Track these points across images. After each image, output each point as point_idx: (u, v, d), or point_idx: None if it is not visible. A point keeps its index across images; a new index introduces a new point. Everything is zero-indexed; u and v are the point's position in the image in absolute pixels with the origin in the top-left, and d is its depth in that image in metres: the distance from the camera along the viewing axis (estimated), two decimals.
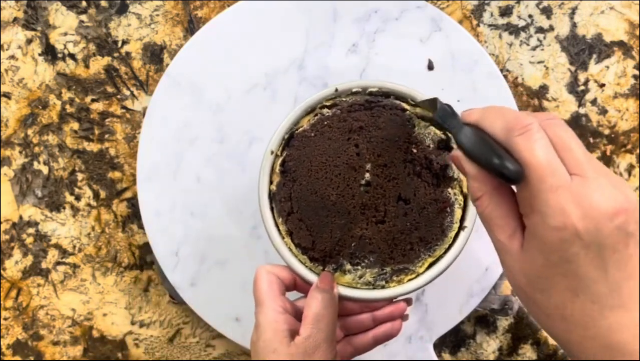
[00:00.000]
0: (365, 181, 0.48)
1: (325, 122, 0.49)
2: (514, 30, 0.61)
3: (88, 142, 0.61)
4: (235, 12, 0.58)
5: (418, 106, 0.49)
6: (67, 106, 0.61)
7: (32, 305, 0.61)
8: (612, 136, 0.61)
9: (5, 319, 0.61)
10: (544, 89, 0.61)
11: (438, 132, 0.49)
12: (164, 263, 0.58)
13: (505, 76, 0.60)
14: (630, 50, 0.61)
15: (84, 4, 0.61)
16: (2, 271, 0.61)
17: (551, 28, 0.61)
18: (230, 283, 0.58)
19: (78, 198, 0.61)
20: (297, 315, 0.46)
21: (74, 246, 0.61)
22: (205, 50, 0.58)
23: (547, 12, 0.61)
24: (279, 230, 0.49)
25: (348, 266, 0.48)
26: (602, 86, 0.61)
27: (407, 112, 0.49)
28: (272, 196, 0.49)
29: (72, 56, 0.61)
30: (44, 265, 0.61)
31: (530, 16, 0.61)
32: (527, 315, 0.61)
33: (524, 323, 0.61)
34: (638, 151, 0.61)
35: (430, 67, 0.58)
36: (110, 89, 0.61)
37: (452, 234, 0.48)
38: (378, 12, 0.58)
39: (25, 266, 0.61)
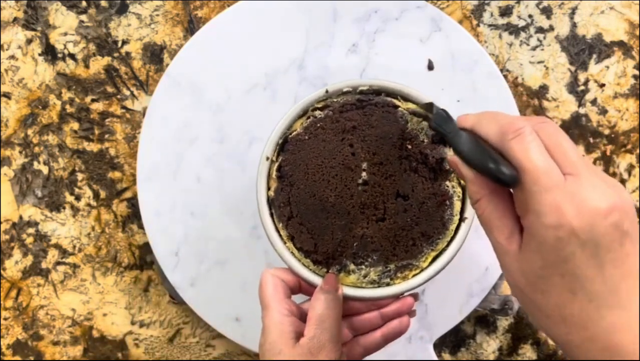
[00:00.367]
0: (363, 180, 0.48)
1: (319, 124, 0.49)
2: (514, 30, 0.61)
3: (88, 142, 0.61)
4: (235, 12, 0.58)
5: (415, 112, 0.49)
6: (67, 106, 0.61)
7: (32, 305, 0.61)
8: (612, 136, 0.61)
9: (5, 319, 0.61)
10: (544, 89, 0.61)
11: None
12: (164, 263, 0.58)
13: (505, 76, 0.60)
14: (630, 50, 0.61)
15: (84, 4, 0.61)
16: (2, 271, 0.61)
17: (551, 28, 0.61)
18: (230, 283, 0.58)
19: (78, 198, 0.61)
20: (303, 317, 0.46)
21: (74, 246, 0.61)
22: (205, 50, 0.58)
23: (547, 12, 0.61)
24: (280, 235, 0.49)
25: (352, 266, 0.48)
26: (602, 86, 0.61)
27: (399, 108, 0.49)
28: (270, 202, 0.49)
29: (72, 56, 0.61)
30: (44, 265, 0.61)
31: (530, 16, 0.61)
32: (527, 315, 0.61)
33: (524, 323, 0.61)
34: (638, 151, 0.61)
35: (430, 67, 0.58)
36: (110, 89, 0.61)
37: (453, 226, 0.48)
38: (378, 12, 0.58)
39: (25, 266, 0.61)
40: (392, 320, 0.48)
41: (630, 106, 0.61)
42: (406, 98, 0.49)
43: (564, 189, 0.34)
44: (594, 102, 0.61)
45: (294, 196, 0.48)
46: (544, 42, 0.61)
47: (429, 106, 0.45)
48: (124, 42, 0.61)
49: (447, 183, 0.48)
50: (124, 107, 0.61)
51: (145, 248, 0.61)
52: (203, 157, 0.58)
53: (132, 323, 0.61)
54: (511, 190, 0.37)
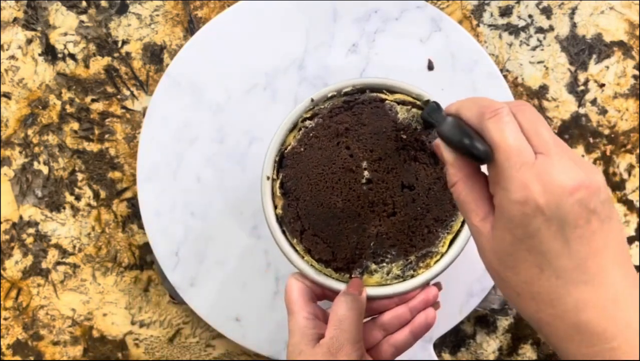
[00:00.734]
0: (366, 179, 0.48)
1: (311, 134, 0.49)
2: (514, 30, 0.61)
3: (88, 142, 0.61)
4: (235, 12, 0.58)
5: (405, 102, 0.49)
6: (67, 106, 0.61)
7: (32, 305, 0.61)
8: (612, 136, 0.61)
9: (5, 319, 0.61)
10: (544, 89, 0.61)
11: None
12: (164, 263, 0.58)
13: (505, 76, 0.60)
14: (630, 50, 0.61)
15: (84, 4, 0.61)
16: (2, 271, 0.61)
17: (551, 28, 0.61)
18: (230, 283, 0.58)
19: (78, 198, 0.61)
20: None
21: (74, 246, 0.61)
22: (205, 50, 0.58)
23: (547, 12, 0.61)
24: (296, 251, 0.49)
25: (373, 266, 0.48)
26: (602, 86, 0.61)
27: (387, 101, 0.49)
28: (280, 220, 0.49)
29: (72, 56, 0.61)
30: (44, 265, 0.61)
31: (530, 16, 0.61)
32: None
33: (524, 323, 0.61)
34: (638, 151, 0.61)
35: (430, 67, 0.58)
36: (110, 89, 0.61)
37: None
38: (378, 12, 0.58)
39: (25, 266, 0.61)
40: (420, 312, 0.49)
41: (630, 106, 0.61)
42: (391, 90, 0.49)
43: (533, 167, 0.35)
44: (594, 102, 0.61)
45: (302, 209, 0.48)
46: (544, 42, 0.61)
47: (426, 102, 0.47)
48: (124, 42, 0.61)
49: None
50: (124, 107, 0.61)
51: (145, 248, 0.61)
52: (203, 157, 0.58)
53: (132, 323, 0.61)
54: (487, 173, 0.38)
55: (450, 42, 0.58)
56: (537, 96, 0.61)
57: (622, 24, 0.61)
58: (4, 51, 0.61)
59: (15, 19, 0.61)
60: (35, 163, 0.61)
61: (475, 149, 0.37)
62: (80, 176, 0.61)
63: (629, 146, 0.61)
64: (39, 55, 0.61)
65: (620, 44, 0.61)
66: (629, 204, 0.61)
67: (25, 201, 0.61)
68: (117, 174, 0.61)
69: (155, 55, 0.61)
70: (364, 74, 0.58)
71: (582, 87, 0.61)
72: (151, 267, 0.61)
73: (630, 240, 0.61)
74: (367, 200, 0.48)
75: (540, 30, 0.61)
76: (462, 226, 0.49)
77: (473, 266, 0.57)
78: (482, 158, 0.37)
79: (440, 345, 0.61)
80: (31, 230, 0.61)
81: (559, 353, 0.36)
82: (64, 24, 0.61)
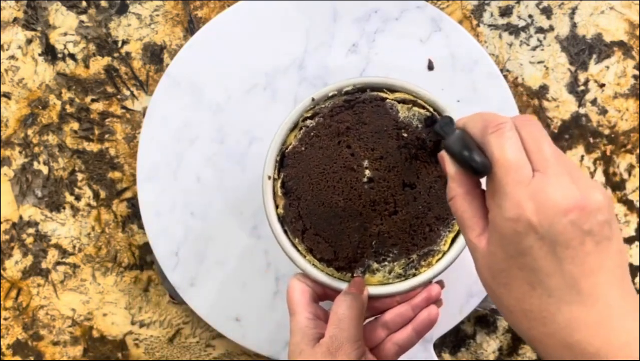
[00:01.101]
0: (367, 178, 0.48)
1: (312, 133, 0.49)
2: (514, 30, 0.61)
3: (88, 142, 0.61)
4: (235, 12, 0.58)
5: (405, 100, 0.49)
6: (67, 106, 0.61)
7: (32, 305, 0.61)
8: (612, 136, 0.61)
9: (5, 319, 0.61)
10: (544, 89, 0.61)
11: (422, 111, 0.49)
12: (164, 263, 0.58)
13: (505, 76, 0.60)
14: (630, 50, 0.61)
15: (84, 4, 0.61)
16: (2, 271, 0.61)
17: (551, 28, 0.61)
18: (230, 283, 0.58)
19: (78, 198, 0.61)
20: None
21: (74, 246, 0.61)
22: (205, 50, 0.58)
23: (547, 12, 0.61)
24: (298, 250, 0.49)
25: (375, 265, 0.48)
26: (602, 86, 0.61)
27: (387, 100, 0.49)
28: (282, 220, 0.49)
29: (72, 56, 0.61)
30: (44, 265, 0.61)
31: (530, 16, 0.61)
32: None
33: None
34: (638, 151, 0.61)
35: (430, 67, 0.58)
36: (110, 89, 0.61)
37: None
38: (378, 12, 0.58)
39: (25, 266, 0.61)
40: (423, 309, 0.49)
41: (630, 106, 0.61)
42: (391, 89, 0.49)
43: (529, 185, 0.35)
44: (594, 102, 0.61)
45: (304, 209, 0.48)
46: (544, 42, 0.61)
47: (442, 117, 0.47)
48: (124, 42, 0.61)
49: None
50: (124, 107, 0.61)
51: (145, 248, 0.61)
52: (203, 157, 0.58)
53: (132, 323, 0.61)
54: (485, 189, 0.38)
55: (450, 42, 0.58)
56: (537, 96, 0.61)
57: (622, 24, 0.61)
58: (4, 51, 0.61)
59: (15, 19, 0.61)
60: (35, 163, 0.61)
61: (474, 161, 0.37)
62: (80, 176, 0.61)
63: (629, 146, 0.61)
64: (39, 55, 0.61)
65: (620, 44, 0.61)
66: (629, 204, 0.61)
67: (25, 201, 0.61)
68: (117, 174, 0.61)
69: (155, 55, 0.61)
70: (364, 74, 0.58)
71: (582, 87, 0.61)
72: (151, 267, 0.61)
73: (631, 240, 0.61)
74: (369, 199, 0.48)
75: (540, 30, 0.61)
76: None
77: (473, 267, 0.57)
78: (480, 171, 0.37)
79: (440, 345, 0.61)
80: (31, 230, 0.61)
81: None
82: (64, 24, 0.61)
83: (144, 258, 0.61)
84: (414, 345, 0.49)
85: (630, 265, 0.61)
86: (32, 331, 0.61)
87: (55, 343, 0.62)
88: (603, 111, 0.61)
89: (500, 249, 0.36)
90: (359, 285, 0.47)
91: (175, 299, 0.61)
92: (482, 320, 0.61)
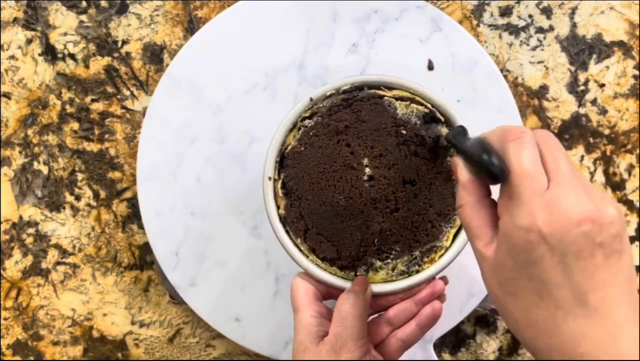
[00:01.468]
0: (367, 176, 0.48)
1: (311, 133, 0.49)
2: (514, 30, 0.61)
3: (88, 142, 0.61)
4: (235, 12, 0.58)
5: (403, 97, 0.49)
6: (67, 106, 0.61)
7: (32, 305, 0.61)
8: (612, 136, 0.61)
9: (5, 319, 0.61)
10: (544, 89, 0.61)
11: (420, 108, 0.49)
12: (164, 263, 0.58)
13: (505, 76, 0.60)
14: (630, 51, 0.61)
15: (84, 4, 0.61)
16: (2, 271, 0.61)
17: (551, 28, 0.61)
18: (230, 283, 0.58)
19: (78, 198, 0.61)
20: None
21: (74, 246, 0.61)
22: (205, 50, 0.58)
23: (547, 12, 0.61)
24: (300, 250, 0.49)
25: (378, 263, 0.48)
26: (602, 86, 0.61)
27: (385, 97, 0.49)
28: (283, 220, 0.49)
29: (72, 56, 0.61)
30: (44, 265, 0.61)
31: (530, 16, 0.61)
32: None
33: None
34: (638, 151, 0.61)
35: (430, 67, 0.58)
36: (110, 89, 0.61)
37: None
38: (378, 12, 0.58)
39: (25, 266, 0.61)
40: (426, 304, 0.49)
41: (630, 106, 0.61)
42: (389, 86, 0.49)
43: (543, 195, 0.35)
44: (594, 102, 0.61)
45: (305, 209, 0.48)
46: (544, 42, 0.61)
47: (455, 127, 0.47)
48: (124, 42, 0.61)
49: (449, 158, 0.48)
50: (124, 107, 0.61)
51: (145, 248, 0.61)
52: (203, 157, 0.58)
53: (132, 323, 0.61)
54: (497, 197, 0.38)
55: (450, 42, 0.58)
56: (537, 96, 0.61)
57: (622, 24, 0.61)
58: (4, 51, 0.61)
59: (15, 19, 0.61)
60: (35, 163, 0.61)
61: (493, 165, 0.36)
62: (80, 176, 0.61)
63: (629, 146, 0.61)
64: (39, 55, 0.61)
65: (620, 44, 0.61)
66: (629, 204, 0.61)
67: (25, 201, 0.61)
68: (117, 174, 0.61)
69: (155, 55, 0.61)
70: (363, 74, 0.58)
71: (582, 87, 0.61)
72: (151, 267, 0.61)
73: (631, 240, 0.61)
74: (370, 197, 0.48)
75: (540, 30, 0.61)
76: None
77: (473, 267, 0.57)
78: (497, 176, 0.36)
79: (440, 345, 0.61)
80: (31, 230, 0.61)
81: None
82: (64, 24, 0.61)
83: (144, 258, 0.61)
84: (418, 341, 0.49)
85: None
86: (32, 331, 0.61)
87: (55, 343, 0.62)
88: (603, 111, 0.61)
89: (510, 258, 0.35)
90: (362, 283, 0.47)
91: (175, 299, 0.61)
92: (482, 320, 0.61)
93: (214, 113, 0.58)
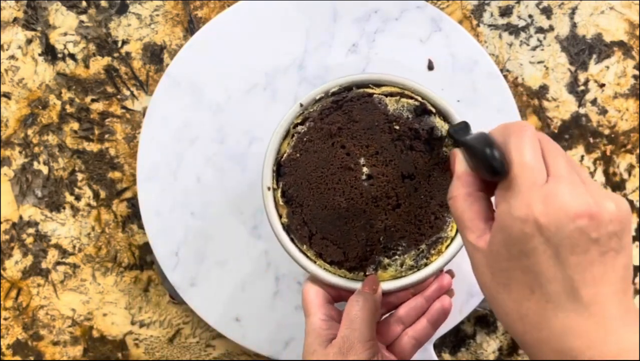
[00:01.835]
0: (366, 175, 0.48)
1: (305, 139, 0.49)
2: (514, 30, 0.61)
3: (88, 142, 0.61)
4: (235, 12, 0.58)
5: (392, 93, 0.50)
6: (67, 106, 0.61)
7: (32, 305, 0.61)
8: (612, 136, 0.61)
9: (5, 319, 0.61)
10: (544, 89, 0.61)
11: (410, 101, 0.49)
12: (164, 263, 0.58)
13: (505, 76, 0.60)
14: (630, 50, 0.61)
15: (84, 4, 0.61)
16: (2, 271, 0.61)
17: (551, 28, 0.61)
18: (230, 283, 0.58)
19: (78, 198, 0.61)
20: None
21: (74, 246, 0.61)
22: (205, 50, 0.58)
23: (547, 12, 0.61)
24: (307, 256, 0.49)
25: (386, 260, 0.48)
26: (602, 86, 0.61)
27: (374, 95, 0.49)
28: (287, 228, 0.49)
29: (72, 56, 0.61)
30: (44, 265, 0.61)
31: (530, 16, 0.61)
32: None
33: None
34: (638, 151, 0.61)
35: (430, 67, 0.58)
36: (110, 89, 0.61)
37: None
38: (378, 12, 0.58)
39: (25, 266, 0.61)
40: (435, 300, 0.49)
41: (630, 106, 0.61)
42: (377, 84, 0.49)
43: (541, 188, 0.34)
44: (594, 102, 0.61)
45: (307, 215, 0.48)
46: (544, 42, 0.61)
47: (457, 123, 0.47)
48: (124, 42, 0.61)
49: (444, 148, 0.49)
50: (124, 107, 0.61)
51: (145, 248, 0.61)
52: (203, 157, 0.58)
53: (132, 323, 0.61)
54: (494, 194, 0.38)
55: (450, 42, 0.58)
56: (537, 96, 0.61)
57: (622, 24, 0.61)
58: (4, 51, 0.61)
59: (15, 19, 0.61)
60: (35, 163, 0.61)
61: (494, 160, 0.36)
62: (80, 176, 0.61)
63: (629, 146, 0.61)
64: (39, 55, 0.61)
65: (620, 44, 0.61)
66: (629, 204, 0.61)
67: (25, 201, 0.61)
68: (117, 174, 0.61)
69: (155, 55, 0.61)
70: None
71: (582, 87, 0.61)
72: (151, 267, 0.61)
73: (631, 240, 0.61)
74: (370, 196, 0.48)
75: (540, 30, 0.61)
76: None
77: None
78: (498, 170, 0.36)
79: (440, 345, 0.61)
80: (31, 230, 0.61)
81: None
82: (64, 24, 0.61)
83: (144, 258, 0.61)
84: (430, 338, 0.49)
85: None
86: (32, 331, 0.61)
87: (55, 343, 0.62)
88: (603, 111, 0.61)
89: (504, 249, 0.35)
90: (372, 283, 0.47)
91: (175, 299, 0.61)
92: (482, 320, 0.61)
93: (214, 113, 0.58)
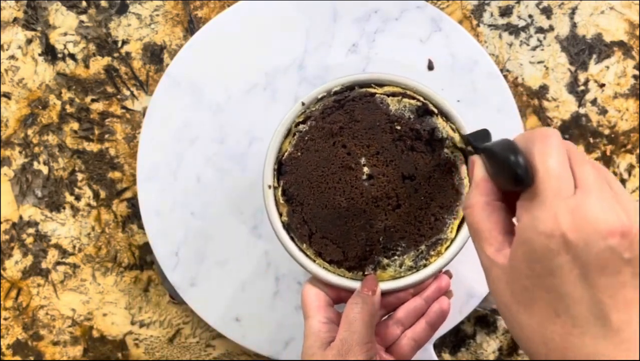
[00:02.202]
0: (366, 175, 0.48)
1: (306, 137, 0.49)
2: (514, 30, 0.61)
3: (88, 142, 0.61)
4: (235, 12, 0.58)
5: (394, 94, 0.49)
6: (67, 106, 0.61)
7: (32, 305, 0.61)
8: (612, 136, 0.61)
9: (5, 319, 0.61)
10: (544, 89, 0.61)
11: (412, 102, 0.49)
12: (164, 263, 0.58)
13: (505, 76, 0.60)
14: (630, 51, 0.61)
15: (84, 4, 0.61)
16: (2, 271, 0.61)
17: (551, 28, 0.61)
18: (230, 283, 0.58)
19: (78, 198, 0.61)
20: None
21: (74, 246, 0.61)
22: (205, 50, 0.58)
23: (547, 12, 0.61)
24: (307, 255, 0.49)
25: (385, 261, 0.48)
26: (602, 86, 0.61)
27: (376, 95, 0.49)
28: (287, 227, 0.49)
29: (72, 56, 0.61)
30: (44, 265, 0.61)
31: (530, 16, 0.61)
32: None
33: None
34: (638, 151, 0.61)
35: (430, 67, 0.58)
36: (110, 89, 0.61)
37: (466, 189, 0.49)
38: (378, 12, 0.58)
39: (25, 266, 0.61)
40: (434, 301, 0.48)
41: (630, 106, 0.61)
42: (379, 83, 0.49)
43: (569, 199, 0.32)
44: (594, 102, 0.61)
45: (308, 214, 0.48)
46: (544, 42, 0.61)
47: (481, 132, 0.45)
48: (124, 42, 0.61)
49: (445, 150, 0.49)
50: (124, 107, 0.61)
51: (145, 248, 0.61)
52: (203, 157, 0.58)
53: (132, 323, 0.61)
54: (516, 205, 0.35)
55: (450, 42, 0.58)
56: (537, 96, 0.61)
57: (622, 24, 0.61)
58: (4, 51, 0.61)
59: (15, 19, 0.61)
60: (35, 163, 0.61)
61: (519, 167, 0.33)
62: (80, 176, 0.61)
63: (629, 146, 0.61)
64: (39, 55, 0.61)
65: (620, 44, 0.61)
66: None
67: (25, 201, 0.61)
68: (117, 174, 0.61)
69: (155, 55, 0.61)
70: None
71: (582, 87, 0.61)
72: (151, 267, 0.61)
73: None
74: (371, 196, 0.48)
75: (540, 30, 0.61)
76: None
77: (473, 267, 0.57)
78: (522, 178, 0.33)
79: (440, 345, 0.61)
80: (31, 230, 0.61)
81: None
82: (64, 24, 0.61)
83: (144, 258, 0.61)
84: (429, 340, 0.49)
85: None
86: (32, 331, 0.61)
87: (55, 343, 0.62)
88: (603, 111, 0.61)
89: (526, 266, 0.32)
90: (371, 284, 0.47)
91: (175, 299, 0.61)
92: (482, 320, 0.61)
93: (214, 113, 0.58)
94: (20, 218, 0.61)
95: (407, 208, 0.48)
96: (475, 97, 0.58)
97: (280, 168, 0.49)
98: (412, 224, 0.48)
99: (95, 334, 0.61)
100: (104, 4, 0.61)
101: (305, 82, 0.58)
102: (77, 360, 0.62)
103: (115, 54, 0.61)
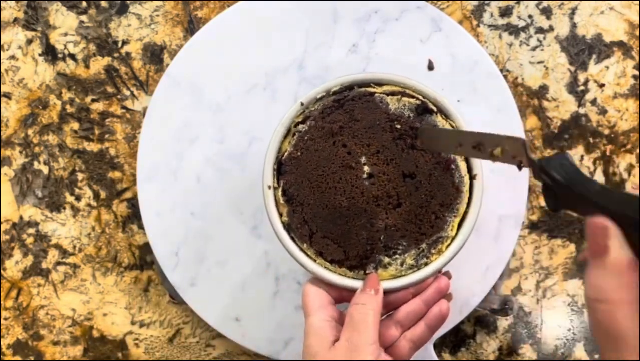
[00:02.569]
0: (367, 174, 0.48)
1: (306, 137, 0.49)
2: (514, 30, 0.61)
3: (88, 142, 0.61)
4: (235, 12, 0.58)
5: (394, 92, 0.49)
6: (67, 106, 0.61)
7: (32, 305, 0.61)
8: (612, 136, 0.61)
9: (5, 319, 0.61)
10: (544, 89, 0.61)
11: (412, 100, 0.49)
12: (164, 263, 0.58)
13: (505, 76, 0.60)
14: (630, 51, 0.61)
15: (84, 4, 0.61)
16: (2, 271, 0.61)
17: (551, 28, 0.61)
18: (230, 283, 0.58)
19: (78, 198, 0.61)
20: None
21: (74, 246, 0.61)
22: (205, 50, 0.58)
23: (547, 12, 0.61)
24: (308, 255, 0.49)
25: (386, 259, 0.48)
26: (602, 86, 0.61)
27: (376, 94, 0.49)
28: (287, 227, 0.49)
29: (72, 56, 0.61)
30: (44, 265, 0.61)
31: (530, 16, 0.61)
32: (526, 315, 0.61)
33: (523, 323, 0.61)
34: (638, 151, 0.61)
35: (430, 67, 0.58)
36: (110, 89, 0.61)
37: (466, 187, 0.49)
38: (378, 12, 0.58)
39: (25, 266, 0.61)
40: (434, 303, 0.48)
41: (630, 106, 0.61)
42: (378, 83, 0.49)
43: None
44: (594, 102, 0.61)
45: (308, 213, 0.48)
46: (544, 42, 0.61)
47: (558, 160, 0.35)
48: (124, 42, 0.61)
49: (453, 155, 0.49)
50: (124, 107, 0.61)
51: (145, 248, 0.61)
52: (203, 157, 0.58)
53: (132, 323, 0.61)
54: None
55: (450, 42, 0.58)
56: (537, 96, 0.61)
57: (622, 24, 0.61)
58: (4, 51, 0.61)
59: (15, 19, 0.61)
60: (35, 163, 0.61)
61: None
62: (80, 176, 0.61)
63: (629, 146, 0.61)
64: (39, 55, 0.61)
65: (620, 44, 0.61)
66: None
67: (25, 201, 0.61)
68: (117, 174, 0.61)
69: (155, 55, 0.61)
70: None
71: (582, 87, 0.61)
72: (151, 267, 0.61)
73: None
74: (371, 195, 0.48)
75: (540, 30, 0.61)
76: (468, 207, 0.49)
77: (473, 267, 0.57)
78: None
79: (440, 345, 0.61)
80: (31, 230, 0.61)
81: None
82: (64, 24, 0.61)
83: (144, 258, 0.61)
84: (427, 342, 0.49)
85: None
86: (32, 331, 0.61)
87: (55, 343, 0.62)
88: (603, 111, 0.61)
89: None
90: (373, 281, 0.47)
91: (175, 299, 0.61)
92: (482, 320, 0.61)
93: (214, 113, 0.58)
94: (21, 218, 0.61)
95: (407, 206, 0.48)
96: (475, 97, 0.58)
97: (280, 168, 0.49)
98: (412, 222, 0.48)
99: (95, 334, 0.61)
100: (104, 4, 0.61)
101: (305, 82, 0.58)
102: (77, 360, 0.62)
103: (115, 54, 0.61)
